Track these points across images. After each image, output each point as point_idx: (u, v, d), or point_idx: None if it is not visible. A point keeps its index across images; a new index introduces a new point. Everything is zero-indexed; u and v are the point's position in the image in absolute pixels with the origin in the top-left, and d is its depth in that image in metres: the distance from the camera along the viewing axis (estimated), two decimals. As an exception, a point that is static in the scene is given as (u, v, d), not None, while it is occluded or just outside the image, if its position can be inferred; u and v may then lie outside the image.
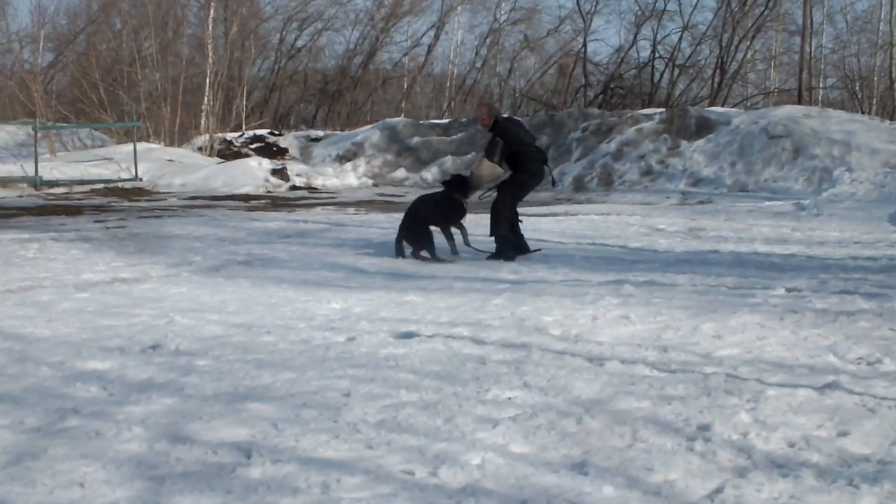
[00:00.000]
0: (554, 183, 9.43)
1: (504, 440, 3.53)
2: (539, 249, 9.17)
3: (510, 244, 8.87)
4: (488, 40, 36.25)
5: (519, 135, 9.02)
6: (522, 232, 9.14)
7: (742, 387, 4.19)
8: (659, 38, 32.96)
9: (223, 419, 3.75)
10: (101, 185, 20.17)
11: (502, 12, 36.66)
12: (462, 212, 9.10)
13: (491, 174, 8.90)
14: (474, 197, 9.19)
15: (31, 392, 4.19)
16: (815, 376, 4.37)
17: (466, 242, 9.06)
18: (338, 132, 27.42)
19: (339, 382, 4.29)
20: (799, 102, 25.41)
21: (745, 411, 3.83)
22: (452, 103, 35.31)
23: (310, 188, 21.21)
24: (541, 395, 4.09)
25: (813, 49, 31.53)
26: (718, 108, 24.60)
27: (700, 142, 20.17)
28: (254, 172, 21.06)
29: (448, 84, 36.62)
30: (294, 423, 3.71)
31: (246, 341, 5.21)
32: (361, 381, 4.29)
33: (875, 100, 31.73)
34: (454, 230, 9.15)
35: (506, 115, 9.86)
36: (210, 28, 27.45)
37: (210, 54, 26.84)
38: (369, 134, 24.62)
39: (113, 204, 16.82)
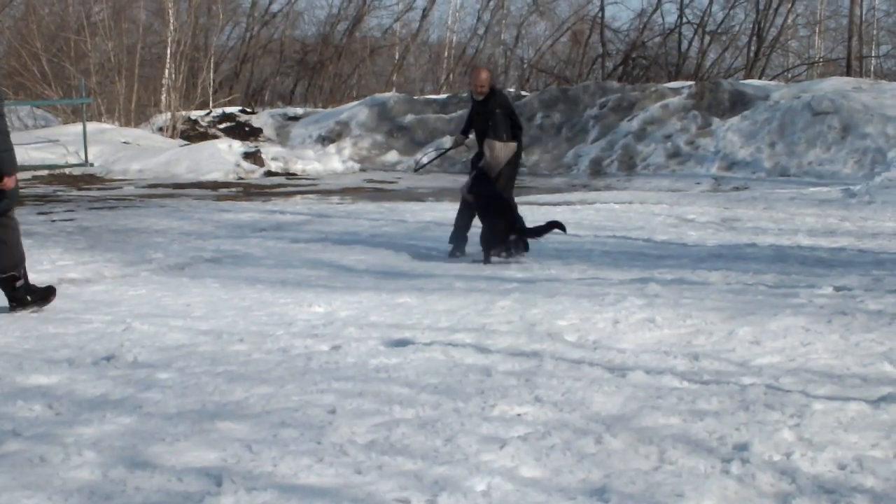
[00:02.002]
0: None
1: (513, 463, 3.53)
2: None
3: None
4: (492, 3, 36.21)
5: (513, 108, 9.23)
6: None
7: (784, 400, 4.20)
8: (687, 0, 32.95)
9: (189, 441, 3.75)
10: (46, 172, 20.14)
11: (508, -29, 36.62)
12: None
13: (507, 154, 8.97)
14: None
15: (-34, 411, 4.18)
16: (869, 388, 4.37)
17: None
18: (319, 109, 27.41)
19: (323, 398, 4.29)
20: (848, 74, 25.42)
21: (789, 428, 3.83)
22: (451, 76, 35.28)
23: (287, 174, 21.19)
24: (554, 411, 4.09)
25: (864, 12, 31.47)
26: (755, 81, 24.60)
27: (734, 119, 20.17)
28: (223, 156, 21.04)
29: (446, 54, 36.58)
30: (271, 444, 3.70)
31: (215, 351, 5.21)
32: (348, 396, 4.29)
33: (937, 70, 31.78)
34: None
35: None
36: (171, -10, 27.37)
37: (171, 20, 26.77)
38: (356, 111, 24.60)
39: (59, 193, 16.81)
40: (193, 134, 25.03)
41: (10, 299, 6.34)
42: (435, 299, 6.63)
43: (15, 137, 23.72)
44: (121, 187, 18.02)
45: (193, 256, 9.06)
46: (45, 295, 6.43)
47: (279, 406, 4.18)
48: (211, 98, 28.74)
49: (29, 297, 6.33)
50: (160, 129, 24.99)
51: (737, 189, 16.73)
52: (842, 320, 5.71)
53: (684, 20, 32.78)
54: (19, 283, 6.28)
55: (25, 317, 6.21)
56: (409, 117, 23.98)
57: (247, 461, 3.54)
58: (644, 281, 7.13)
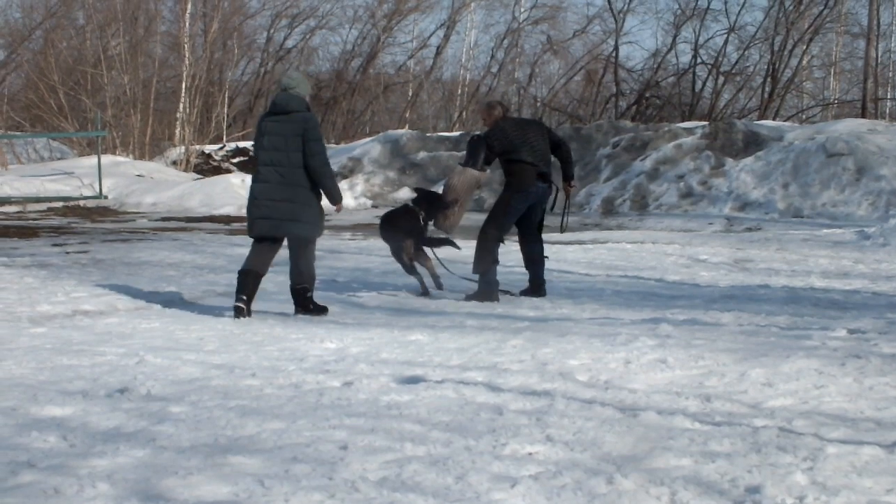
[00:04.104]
0: (553, 207, 8.95)
1: (524, 502, 3.53)
2: (509, 292, 8.79)
3: (495, 286, 8.56)
4: (506, 42, 36.50)
5: (508, 136, 8.53)
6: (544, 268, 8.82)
7: (797, 443, 4.19)
8: (701, 41, 33.16)
9: (202, 474, 3.76)
10: (60, 204, 20.31)
11: (522, 10, 36.96)
12: (418, 233, 8.88)
13: (467, 183, 8.60)
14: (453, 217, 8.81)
15: (-19, 441, 4.21)
16: (883, 432, 4.36)
17: (438, 284, 9.07)
18: (332, 145, 27.57)
19: (335, 433, 4.30)
20: (863, 116, 25.48)
21: (801, 471, 3.83)
22: (464, 113, 35.51)
23: (299, 209, 21.26)
24: (566, 451, 4.10)
25: (880, 54, 31.64)
26: (769, 122, 24.69)
27: (748, 160, 20.23)
28: (236, 190, 21.16)
29: (459, 91, 36.84)
30: (283, 479, 3.72)
31: (227, 385, 5.23)
32: (360, 433, 4.30)
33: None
34: (419, 265, 9.02)
35: (515, 116, 9.34)
36: (187, 25, 27.72)
37: (187, 55, 27.07)
38: (369, 147, 24.75)
39: (74, 225, 16.92)
40: (207, 168, 25.22)
41: (297, 304, 7.81)
42: (446, 337, 6.64)
43: (31, 169, 23.91)
44: (134, 220, 18.14)
45: (206, 290, 9.10)
46: (322, 309, 7.80)
47: (291, 441, 4.19)
48: (225, 132, 28.96)
49: (311, 307, 7.78)
50: (174, 163, 25.19)
51: (749, 230, 16.74)
52: (855, 363, 5.71)
53: (698, 60, 33.01)
54: (309, 294, 7.79)
55: (40, 348, 6.25)
56: (422, 154, 24.11)
57: (259, 496, 3.55)
58: (656, 321, 7.14)
